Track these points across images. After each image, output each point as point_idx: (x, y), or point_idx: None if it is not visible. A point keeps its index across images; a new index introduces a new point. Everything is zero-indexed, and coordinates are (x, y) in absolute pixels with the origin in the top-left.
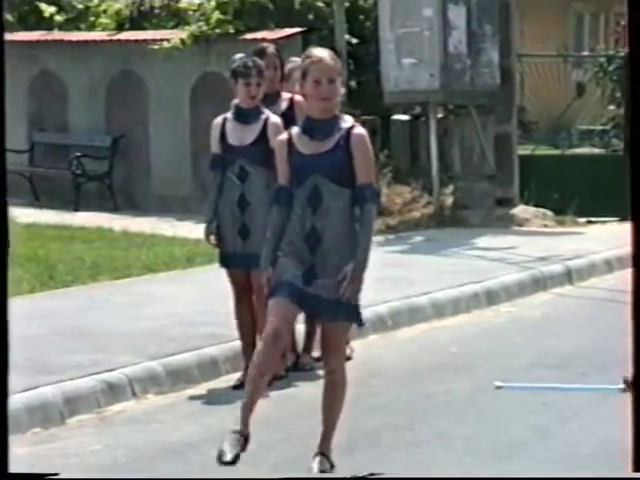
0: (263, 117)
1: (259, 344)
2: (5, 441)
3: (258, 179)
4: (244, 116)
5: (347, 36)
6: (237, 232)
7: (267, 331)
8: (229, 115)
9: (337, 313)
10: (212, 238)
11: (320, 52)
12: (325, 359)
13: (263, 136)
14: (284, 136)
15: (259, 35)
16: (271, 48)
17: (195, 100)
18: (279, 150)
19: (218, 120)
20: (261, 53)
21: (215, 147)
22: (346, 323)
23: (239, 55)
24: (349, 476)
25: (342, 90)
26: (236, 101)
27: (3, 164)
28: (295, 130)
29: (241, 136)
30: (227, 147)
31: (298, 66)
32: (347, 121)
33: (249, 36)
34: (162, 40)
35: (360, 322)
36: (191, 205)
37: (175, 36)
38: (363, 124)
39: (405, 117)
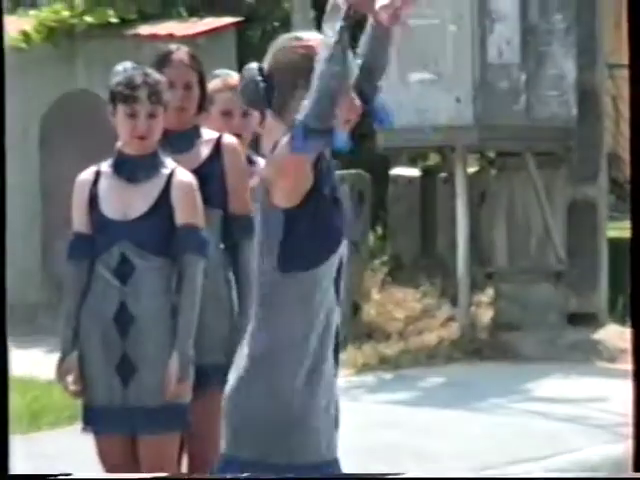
0: (165, 172)
1: None
2: (5, 442)
3: (150, 277)
4: (130, 169)
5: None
6: (114, 369)
7: None
8: (105, 167)
9: None
10: (70, 380)
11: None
12: None
13: (163, 203)
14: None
15: (162, 28)
16: (181, 52)
17: (49, 139)
18: None
19: (87, 175)
20: (163, 61)
21: (80, 222)
22: None
23: (125, 65)
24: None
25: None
26: (119, 144)
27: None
28: None
29: (125, 204)
30: (100, 222)
31: (223, 85)
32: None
33: (144, 30)
34: None
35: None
36: (41, 320)
37: (14, 26)
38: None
39: (413, 172)
